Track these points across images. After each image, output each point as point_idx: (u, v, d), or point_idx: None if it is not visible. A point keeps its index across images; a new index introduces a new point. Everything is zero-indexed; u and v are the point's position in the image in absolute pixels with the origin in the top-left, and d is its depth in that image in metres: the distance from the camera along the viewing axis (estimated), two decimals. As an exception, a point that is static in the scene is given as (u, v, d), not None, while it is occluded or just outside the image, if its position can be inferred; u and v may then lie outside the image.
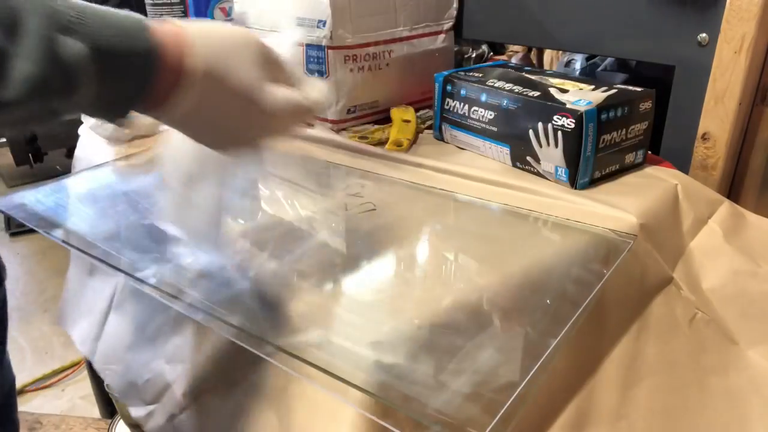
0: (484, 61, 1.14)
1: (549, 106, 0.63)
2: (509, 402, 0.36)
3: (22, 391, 1.49)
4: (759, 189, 0.71)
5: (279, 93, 0.43)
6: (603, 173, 0.65)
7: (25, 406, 1.45)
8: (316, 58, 0.81)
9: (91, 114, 0.39)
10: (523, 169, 0.69)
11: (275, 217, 0.66)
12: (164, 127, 0.91)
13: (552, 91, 0.66)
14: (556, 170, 0.64)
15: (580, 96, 0.63)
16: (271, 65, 0.44)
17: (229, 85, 0.41)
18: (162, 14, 0.91)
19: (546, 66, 1.21)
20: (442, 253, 0.58)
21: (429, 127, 0.84)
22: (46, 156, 2.50)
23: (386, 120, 0.85)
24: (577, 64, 1.07)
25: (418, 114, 0.85)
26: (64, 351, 1.65)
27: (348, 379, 0.38)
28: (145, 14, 0.91)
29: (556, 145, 0.63)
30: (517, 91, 0.68)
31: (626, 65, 0.99)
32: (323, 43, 0.79)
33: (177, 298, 0.49)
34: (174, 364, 0.60)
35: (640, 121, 0.66)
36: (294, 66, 0.48)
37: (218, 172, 0.53)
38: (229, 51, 0.41)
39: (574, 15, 0.79)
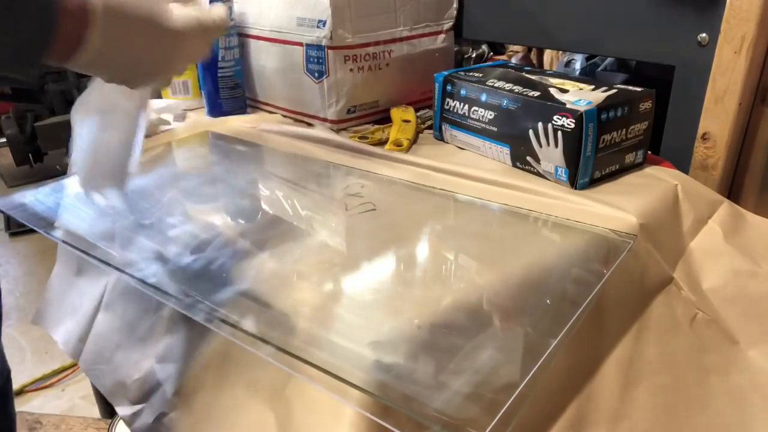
0: (484, 61, 1.14)
1: (549, 106, 0.63)
2: (509, 402, 0.36)
3: (22, 391, 1.49)
4: (759, 189, 0.71)
5: (181, 11, 0.44)
6: (603, 173, 0.65)
7: (25, 406, 1.45)
8: (316, 58, 0.81)
9: (2, 67, 0.39)
10: (523, 169, 0.69)
11: (275, 217, 0.66)
12: (166, 127, 0.91)
13: (552, 91, 0.66)
14: (556, 170, 0.64)
15: (580, 96, 0.63)
16: None
17: (132, 12, 0.41)
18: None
19: (546, 66, 1.21)
20: (442, 253, 0.58)
21: (429, 127, 0.84)
22: (46, 156, 2.50)
23: (386, 120, 0.85)
24: (577, 64, 1.07)
25: (418, 114, 0.85)
26: (64, 351, 1.65)
27: (348, 379, 0.38)
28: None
29: (556, 145, 0.63)
30: (517, 91, 0.68)
31: (626, 65, 0.99)
32: (323, 43, 0.79)
33: (176, 297, 0.49)
34: (165, 363, 0.60)
35: (640, 121, 0.66)
36: None
37: (125, 113, 0.55)
38: None
39: (574, 15, 0.79)
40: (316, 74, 0.82)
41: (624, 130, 0.65)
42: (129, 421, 0.63)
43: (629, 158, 0.67)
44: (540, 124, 0.64)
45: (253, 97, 0.95)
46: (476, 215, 0.64)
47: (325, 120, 0.84)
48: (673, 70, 0.71)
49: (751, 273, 0.61)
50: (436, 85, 0.77)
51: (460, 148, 0.77)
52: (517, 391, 0.37)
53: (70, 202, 0.69)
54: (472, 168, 0.69)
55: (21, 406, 1.39)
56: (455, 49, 1.00)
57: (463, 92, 0.74)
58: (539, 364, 0.39)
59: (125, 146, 0.56)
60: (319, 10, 0.78)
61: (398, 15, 0.84)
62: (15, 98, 2.54)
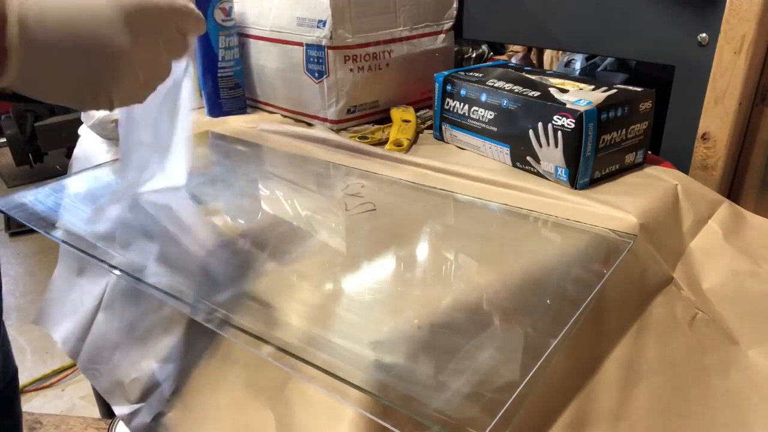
0: (484, 61, 1.14)
1: (549, 106, 0.63)
2: (509, 402, 0.36)
3: (22, 391, 1.49)
4: (759, 189, 0.71)
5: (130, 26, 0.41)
6: (603, 173, 0.65)
7: (25, 406, 1.45)
8: (316, 58, 0.81)
9: None
10: (523, 169, 0.69)
11: (275, 217, 0.66)
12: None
13: (552, 91, 0.66)
14: (556, 170, 0.64)
15: (580, 96, 0.63)
16: None
17: (60, 36, 0.38)
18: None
19: (546, 66, 1.21)
20: (442, 253, 0.58)
21: (429, 127, 0.84)
22: (46, 156, 2.50)
23: (386, 120, 0.85)
24: (577, 64, 1.07)
25: (418, 114, 0.85)
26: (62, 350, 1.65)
27: (348, 379, 0.38)
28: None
29: (556, 145, 0.63)
30: (517, 91, 0.68)
31: (626, 65, 0.99)
32: (323, 43, 0.79)
33: (177, 297, 0.49)
34: (164, 363, 0.60)
35: (640, 121, 0.66)
36: None
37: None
38: None
39: (574, 15, 0.79)
40: (316, 74, 0.82)
41: (624, 130, 0.65)
42: (126, 420, 0.64)
43: (629, 158, 0.67)
44: (540, 124, 0.64)
45: (253, 97, 0.95)
46: (476, 215, 0.64)
47: (325, 120, 0.84)
48: (673, 70, 0.71)
49: (751, 273, 0.61)
50: (436, 85, 0.77)
51: (460, 148, 0.77)
52: (517, 391, 0.37)
53: (70, 202, 0.69)
54: (472, 168, 0.69)
55: (21, 406, 1.39)
56: (455, 49, 1.00)
57: (463, 92, 0.74)
58: (539, 364, 0.39)
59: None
60: (319, 10, 0.78)
61: (398, 15, 0.84)
62: (15, 98, 2.54)
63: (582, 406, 0.53)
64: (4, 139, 2.42)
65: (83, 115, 0.91)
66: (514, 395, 0.37)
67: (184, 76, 0.56)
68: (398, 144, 0.77)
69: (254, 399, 0.50)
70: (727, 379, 0.59)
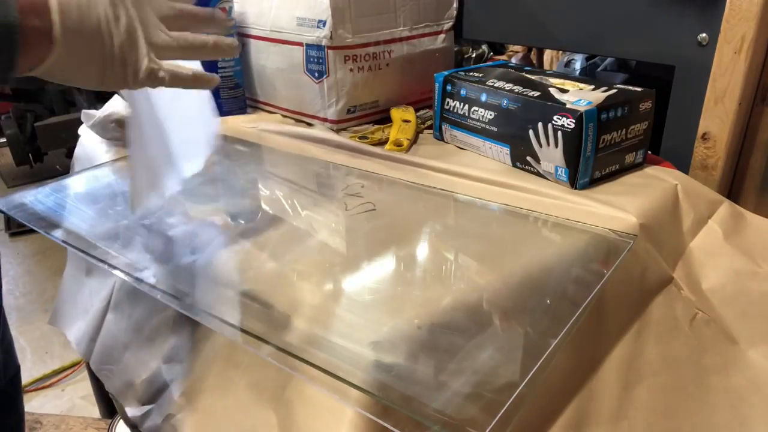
0: (484, 61, 1.14)
1: (549, 106, 0.63)
2: (509, 402, 0.36)
3: (22, 391, 1.49)
4: (759, 189, 0.71)
5: None
6: (603, 173, 0.65)
7: (26, 406, 1.45)
8: (316, 58, 0.81)
9: None
10: (523, 169, 0.69)
11: (275, 217, 0.66)
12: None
13: (552, 91, 0.66)
14: (556, 170, 0.64)
15: (580, 96, 0.63)
16: None
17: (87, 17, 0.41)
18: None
19: (546, 66, 1.20)
20: (442, 253, 0.58)
21: (429, 127, 0.84)
22: (46, 156, 2.50)
23: (386, 120, 0.85)
24: (577, 64, 1.07)
25: (418, 114, 0.85)
26: (64, 351, 1.65)
27: (348, 379, 0.38)
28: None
29: (556, 145, 0.63)
30: (517, 91, 0.68)
31: (626, 65, 0.99)
32: (323, 43, 0.79)
33: (177, 298, 0.49)
34: (171, 364, 0.60)
35: (640, 121, 0.66)
36: None
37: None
38: None
39: (574, 15, 0.79)
40: (316, 74, 0.82)
41: (624, 130, 0.65)
42: (139, 422, 0.64)
43: (629, 158, 0.67)
44: (540, 124, 0.64)
45: (253, 97, 0.95)
46: (476, 215, 0.64)
47: (325, 120, 0.84)
48: (673, 70, 0.71)
49: (751, 273, 0.61)
50: (436, 85, 0.77)
51: (460, 148, 0.77)
52: (517, 391, 0.37)
53: (70, 202, 0.69)
54: (472, 168, 0.69)
55: (24, 404, 1.39)
56: (455, 49, 1.00)
57: (463, 92, 0.74)
58: (539, 364, 0.39)
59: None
60: (319, 10, 0.78)
61: (398, 15, 0.84)
62: (15, 98, 2.54)
63: (582, 406, 0.53)
64: (4, 139, 2.42)
65: (83, 115, 0.91)
66: (514, 395, 0.37)
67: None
68: (398, 144, 0.77)
69: (257, 400, 0.50)
70: (727, 379, 0.59)
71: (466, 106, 0.73)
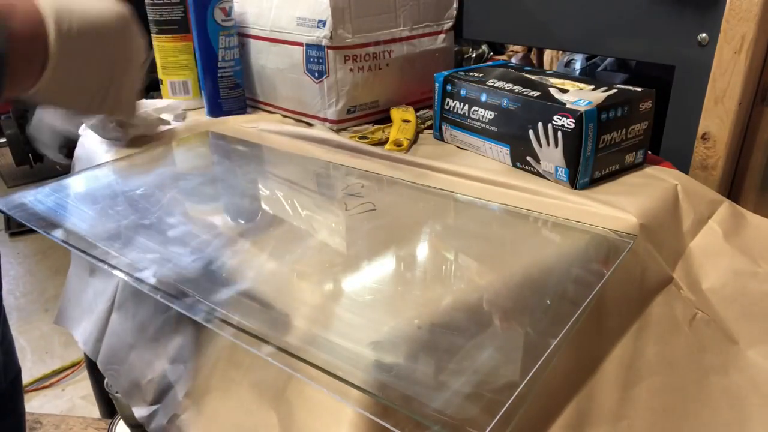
0: (484, 61, 1.14)
1: (549, 106, 0.63)
2: (509, 402, 0.36)
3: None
4: (759, 189, 0.71)
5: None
6: (603, 173, 0.65)
7: (26, 406, 1.45)
8: (316, 58, 0.81)
9: None
10: (523, 169, 0.69)
11: (275, 217, 0.66)
12: (165, 127, 0.91)
13: (552, 91, 0.66)
14: (556, 170, 0.64)
15: (580, 96, 0.63)
16: None
17: (88, 24, 0.40)
18: (162, 14, 0.91)
19: (546, 66, 1.21)
20: (442, 253, 0.58)
21: (429, 127, 0.84)
22: (46, 156, 2.50)
23: (386, 120, 0.85)
24: (577, 64, 1.07)
25: (418, 114, 0.85)
26: (64, 351, 1.65)
27: (348, 379, 0.38)
28: (145, 14, 0.91)
29: (556, 145, 0.63)
30: (517, 91, 0.68)
31: (626, 65, 0.99)
32: (323, 43, 0.79)
33: (177, 298, 0.49)
34: (175, 364, 0.60)
35: (640, 121, 0.66)
36: None
37: None
38: None
39: (574, 15, 0.79)
40: (316, 74, 0.82)
41: (624, 130, 0.65)
42: (146, 422, 0.64)
43: (629, 158, 0.67)
44: (540, 124, 0.64)
45: (253, 97, 0.95)
46: (476, 215, 0.64)
47: (325, 120, 0.84)
48: (673, 70, 0.71)
49: (751, 273, 0.61)
50: (436, 85, 0.77)
51: (460, 148, 0.77)
52: (517, 391, 0.37)
53: (70, 202, 0.69)
54: (472, 168, 0.69)
55: (24, 405, 1.39)
56: (455, 49, 1.00)
57: (463, 92, 0.74)
58: (539, 364, 0.39)
59: None
60: (319, 10, 0.78)
61: (398, 15, 0.84)
62: (15, 98, 2.54)
63: (582, 406, 0.53)
64: (4, 139, 2.42)
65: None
66: (514, 395, 0.37)
67: None
68: (398, 144, 0.77)
69: (259, 400, 0.50)
70: (727, 379, 0.59)
71: (466, 106, 0.73)
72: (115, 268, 0.54)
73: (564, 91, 0.66)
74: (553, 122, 0.62)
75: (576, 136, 0.61)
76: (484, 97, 0.70)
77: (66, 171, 0.86)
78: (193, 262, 0.55)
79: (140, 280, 0.51)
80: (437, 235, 0.62)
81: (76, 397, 1.51)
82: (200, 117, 0.92)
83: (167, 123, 0.87)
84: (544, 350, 0.41)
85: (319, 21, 0.78)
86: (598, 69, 1.03)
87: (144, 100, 0.86)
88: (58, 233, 0.60)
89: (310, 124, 0.87)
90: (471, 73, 0.76)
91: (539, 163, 0.66)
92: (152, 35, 0.94)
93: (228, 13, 0.86)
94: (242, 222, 0.66)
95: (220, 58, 0.88)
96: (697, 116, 0.69)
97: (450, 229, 0.64)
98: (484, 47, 1.16)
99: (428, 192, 0.67)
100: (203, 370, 0.57)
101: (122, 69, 0.45)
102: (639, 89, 0.66)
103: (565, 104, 0.62)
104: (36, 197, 0.68)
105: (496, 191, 0.65)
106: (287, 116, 0.91)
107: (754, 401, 0.58)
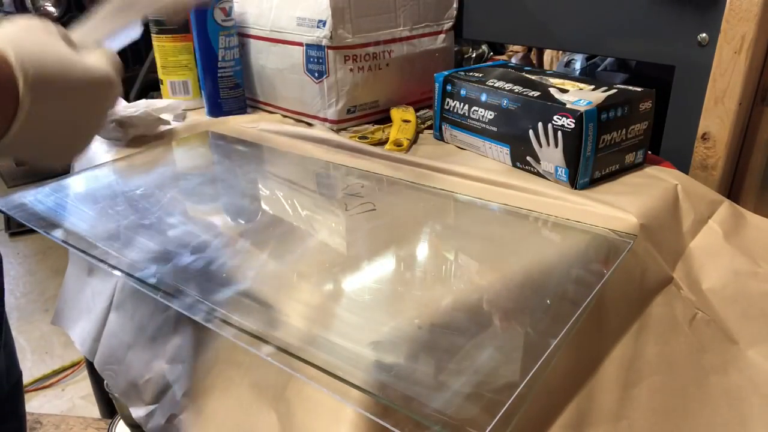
0: (484, 61, 1.14)
1: (549, 106, 0.63)
2: (509, 402, 0.36)
3: (22, 391, 1.49)
4: (759, 189, 0.71)
5: (95, 56, 0.42)
6: (603, 173, 0.65)
7: (26, 406, 1.45)
8: (316, 58, 0.81)
9: None
10: (523, 169, 0.69)
11: (275, 217, 0.66)
12: (165, 127, 0.91)
13: (552, 91, 0.66)
14: (556, 170, 0.64)
15: (580, 96, 0.63)
16: (68, 40, 0.42)
17: (51, 66, 0.37)
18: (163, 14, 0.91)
19: (546, 66, 1.21)
20: (442, 253, 0.58)
21: (429, 127, 0.84)
22: (46, 156, 2.50)
23: (386, 120, 0.85)
24: (577, 64, 1.07)
25: (418, 114, 0.85)
26: (64, 351, 1.65)
27: (348, 379, 0.38)
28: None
29: (556, 145, 0.63)
30: (517, 91, 0.68)
31: (626, 65, 0.99)
32: (323, 43, 0.79)
33: (177, 298, 0.49)
34: (174, 364, 0.60)
35: (640, 121, 0.66)
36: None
37: None
38: (37, 40, 0.38)
39: (574, 15, 0.79)
40: (316, 74, 0.82)
41: (624, 130, 0.65)
42: (143, 422, 0.64)
43: (629, 158, 0.67)
44: (540, 124, 0.64)
45: (253, 97, 0.95)
46: (476, 215, 0.64)
47: (325, 120, 0.84)
48: (673, 70, 0.71)
49: (751, 273, 0.61)
50: (436, 85, 0.77)
51: (460, 148, 0.77)
52: (517, 391, 0.37)
53: (70, 202, 0.69)
54: (472, 168, 0.69)
55: (25, 408, 1.39)
56: (455, 49, 1.00)
57: (463, 92, 0.74)
58: (539, 364, 0.39)
59: None
60: (319, 10, 0.78)
61: (398, 15, 0.84)
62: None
63: (582, 406, 0.53)
64: (4, 139, 2.42)
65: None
66: (514, 395, 0.37)
67: None
68: (398, 144, 0.77)
69: (258, 400, 0.50)
70: (727, 379, 0.59)
71: (466, 106, 0.73)
72: (115, 268, 0.54)
73: (564, 91, 0.66)
74: (553, 122, 0.62)
75: (576, 136, 0.61)
76: (484, 97, 0.70)
77: (66, 171, 0.86)
78: (193, 262, 0.55)
79: (141, 280, 0.51)
80: (437, 235, 0.62)
81: (76, 397, 1.51)
82: (200, 117, 0.92)
83: (167, 123, 0.87)
84: (544, 350, 0.41)
85: (319, 21, 0.78)
86: (598, 69, 1.03)
87: (144, 100, 0.86)
88: (58, 233, 0.60)
89: (310, 124, 0.87)
90: (471, 73, 0.76)
91: (539, 163, 0.66)
92: (152, 35, 0.94)
93: (228, 13, 0.86)
94: (242, 222, 0.66)
95: (220, 58, 0.88)
96: (697, 116, 0.69)
97: (450, 229, 0.64)
98: (484, 47, 1.16)
99: (428, 192, 0.67)
100: (202, 370, 0.57)
101: (95, 125, 0.43)
102: (639, 89, 0.66)
103: (565, 104, 0.62)
104: (36, 197, 0.68)
105: (496, 191, 0.65)
106: (287, 116, 0.91)
107: (754, 401, 0.58)
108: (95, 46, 0.44)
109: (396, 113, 0.84)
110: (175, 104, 0.88)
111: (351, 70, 0.81)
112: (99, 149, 0.85)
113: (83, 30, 0.46)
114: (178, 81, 0.96)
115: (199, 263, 0.55)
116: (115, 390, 0.70)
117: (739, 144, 0.70)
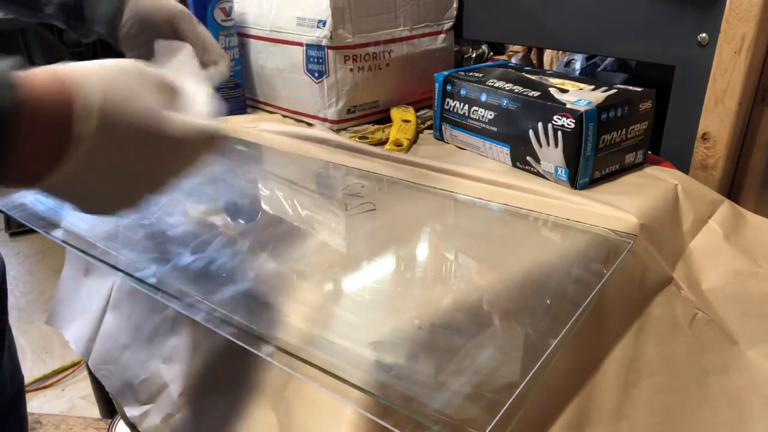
0: (484, 61, 1.14)
1: (549, 106, 0.63)
2: (509, 402, 0.36)
3: (22, 391, 1.49)
4: (759, 189, 0.71)
5: (181, 118, 0.37)
6: (603, 173, 0.65)
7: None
8: (316, 58, 0.81)
9: None
10: (523, 169, 0.69)
11: (275, 217, 0.66)
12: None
13: (552, 91, 0.66)
14: (556, 170, 0.64)
15: (580, 96, 0.63)
16: (166, 93, 0.38)
17: (130, 117, 0.34)
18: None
19: (546, 66, 1.20)
20: (442, 253, 0.58)
21: (429, 127, 0.84)
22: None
23: (386, 120, 0.85)
24: (577, 64, 1.07)
25: (418, 114, 0.85)
26: (64, 351, 1.65)
27: (348, 379, 0.38)
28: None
29: (556, 145, 0.63)
30: (517, 91, 0.68)
31: (626, 65, 0.99)
32: (323, 43, 0.79)
33: (177, 298, 0.49)
34: (171, 364, 0.60)
35: (640, 121, 0.66)
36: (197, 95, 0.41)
37: None
38: (122, 79, 0.35)
39: (574, 15, 0.79)
40: (316, 74, 0.82)
41: (624, 130, 0.65)
42: (138, 422, 0.64)
43: (629, 158, 0.67)
44: (540, 124, 0.64)
45: (253, 97, 0.95)
46: (476, 215, 0.64)
47: (325, 120, 0.84)
48: (673, 70, 0.71)
49: (751, 273, 0.61)
50: (436, 85, 0.77)
51: (460, 148, 0.77)
52: (517, 391, 0.37)
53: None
54: (472, 168, 0.69)
55: (26, 411, 1.39)
56: (455, 49, 1.00)
57: (463, 92, 0.74)
58: (539, 364, 0.39)
59: None
60: (319, 10, 0.78)
61: (398, 15, 0.84)
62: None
63: (582, 406, 0.53)
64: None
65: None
66: (514, 395, 0.37)
67: None
68: (398, 144, 0.77)
69: (257, 400, 0.50)
70: (727, 379, 0.59)
71: (466, 106, 0.73)
72: (115, 268, 0.54)
73: (564, 91, 0.66)
74: (553, 122, 0.62)
75: (576, 136, 0.61)
76: (484, 97, 0.70)
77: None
78: (193, 262, 0.55)
79: (140, 280, 0.51)
80: (437, 235, 0.62)
81: (76, 397, 1.51)
82: (200, 117, 0.92)
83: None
84: (544, 350, 0.41)
85: (319, 21, 0.78)
86: (598, 69, 1.03)
87: None
88: (58, 233, 0.60)
89: (310, 124, 0.87)
90: (471, 73, 0.76)
91: (539, 163, 0.66)
92: (152, 35, 0.94)
93: (228, 13, 0.86)
94: (242, 222, 0.66)
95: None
96: (697, 116, 0.69)
97: (450, 229, 0.64)
98: (484, 47, 1.16)
99: (428, 192, 0.67)
100: (201, 370, 0.57)
101: (157, 183, 0.38)
102: (639, 89, 0.66)
103: (565, 104, 0.62)
104: (36, 197, 0.68)
105: (496, 191, 0.65)
106: (287, 116, 0.91)
107: (754, 401, 0.58)
108: (204, 98, 0.41)
109: (396, 113, 0.84)
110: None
111: (351, 70, 0.81)
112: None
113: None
114: (178, 81, 0.96)
115: (199, 263, 0.55)
116: (110, 390, 0.70)
117: (739, 144, 0.70)
